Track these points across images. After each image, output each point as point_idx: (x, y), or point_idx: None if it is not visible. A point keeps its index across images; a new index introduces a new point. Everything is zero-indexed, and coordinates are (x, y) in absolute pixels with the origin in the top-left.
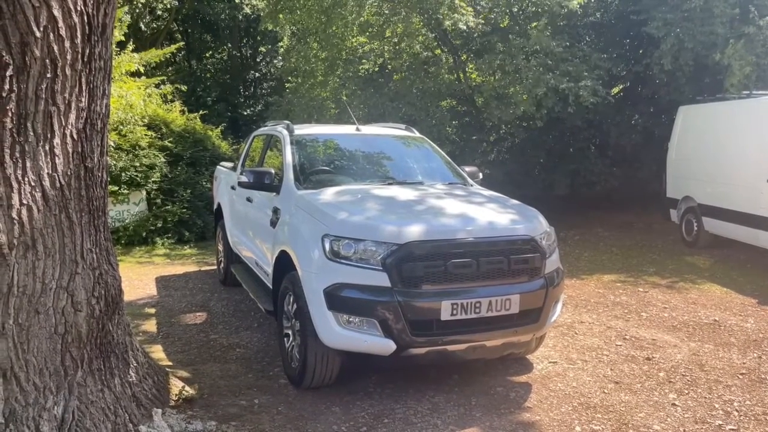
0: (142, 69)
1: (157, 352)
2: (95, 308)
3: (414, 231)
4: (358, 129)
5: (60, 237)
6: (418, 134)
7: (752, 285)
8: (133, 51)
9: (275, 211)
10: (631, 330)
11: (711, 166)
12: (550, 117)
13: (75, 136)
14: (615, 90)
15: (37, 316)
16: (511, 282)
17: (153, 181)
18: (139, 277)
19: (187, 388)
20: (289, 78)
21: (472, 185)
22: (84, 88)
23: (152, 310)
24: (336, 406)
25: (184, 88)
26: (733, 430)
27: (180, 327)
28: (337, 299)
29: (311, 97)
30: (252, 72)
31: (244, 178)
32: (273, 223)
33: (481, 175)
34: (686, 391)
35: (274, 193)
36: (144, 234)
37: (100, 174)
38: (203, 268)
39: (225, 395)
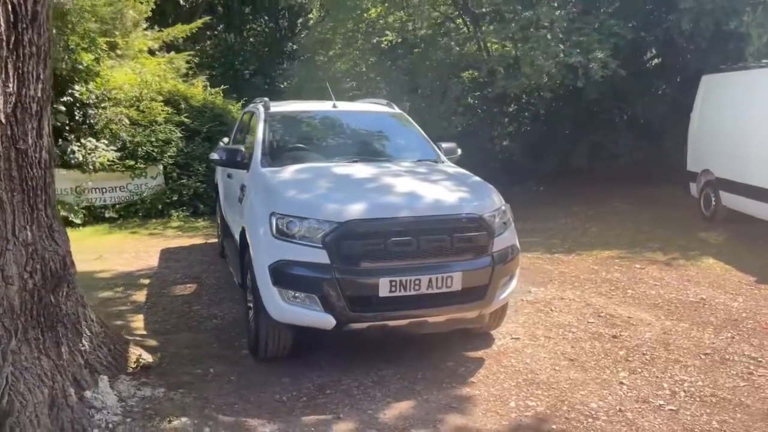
0: (156, 45)
1: (137, 321)
2: (28, 282)
3: (354, 210)
4: (334, 105)
5: None
6: (397, 110)
7: (757, 263)
8: (162, 26)
9: (242, 188)
10: (610, 307)
11: (729, 139)
12: (574, 88)
13: (3, 121)
14: (641, 59)
15: None
16: (453, 260)
17: (169, 156)
18: (147, 248)
19: (144, 356)
20: (320, 51)
21: (443, 162)
22: (12, 74)
23: (147, 281)
24: (287, 376)
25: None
26: (672, 410)
27: (167, 297)
28: (282, 275)
29: (331, 70)
30: (290, 44)
31: (215, 156)
32: (240, 200)
33: (459, 151)
34: (639, 371)
35: (245, 171)
36: (160, 207)
37: (36, 155)
38: (209, 241)
39: (184, 364)
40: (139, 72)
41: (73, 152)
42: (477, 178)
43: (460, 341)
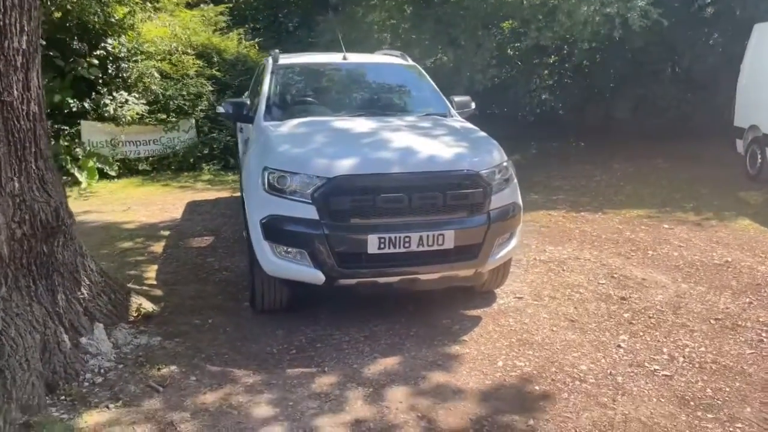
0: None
1: (150, 271)
2: (16, 232)
3: (344, 165)
4: (345, 57)
5: None
6: (410, 62)
7: None
8: None
9: (245, 141)
10: (626, 268)
11: None
12: (620, 38)
13: None
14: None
15: None
16: (446, 218)
17: (200, 110)
18: (174, 201)
19: (146, 305)
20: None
21: (452, 116)
22: None
23: (167, 233)
24: (282, 329)
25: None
26: (666, 376)
27: (183, 249)
28: (272, 230)
29: (367, 22)
30: None
31: (221, 109)
32: (245, 154)
33: (473, 105)
34: (641, 334)
35: (251, 124)
36: (192, 160)
37: (24, 107)
38: (235, 195)
39: (185, 314)
40: (169, 25)
41: (106, 105)
42: (481, 134)
43: (462, 299)
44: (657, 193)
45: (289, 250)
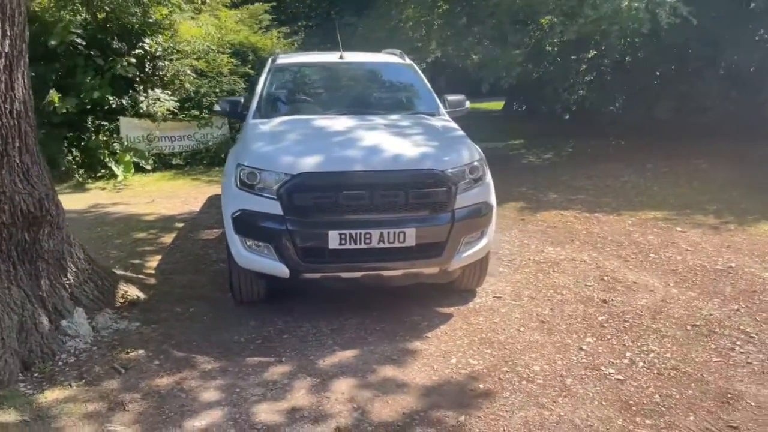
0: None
1: (153, 261)
2: None
3: (308, 162)
4: (341, 56)
5: None
6: (407, 61)
7: None
8: None
9: (235, 139)
10: (620, 271)
11: None
12: (666, 33)
13: None
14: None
15: None
16: (407, 215)
17: None
18: (198, 195)
19: (134, 293)
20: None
21: (441, 115)
22: None
23: (181, 225)
24: (256, 319)
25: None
26: (618, 380)
27: (191, 241)
28: (242, 224)
29: (402, 20)
30: None
31: (217, 107)
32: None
33: (467, 104)
34: (609, 338)
35: (244, 122)
36: (223, 155)
37: (6, 106)
38: None
39: (170, 302)
40: (202, 25)
41: (140, 102)
42: (458, 133)
43: (439, 297)
44: (683, 195)
45: (258, 243)
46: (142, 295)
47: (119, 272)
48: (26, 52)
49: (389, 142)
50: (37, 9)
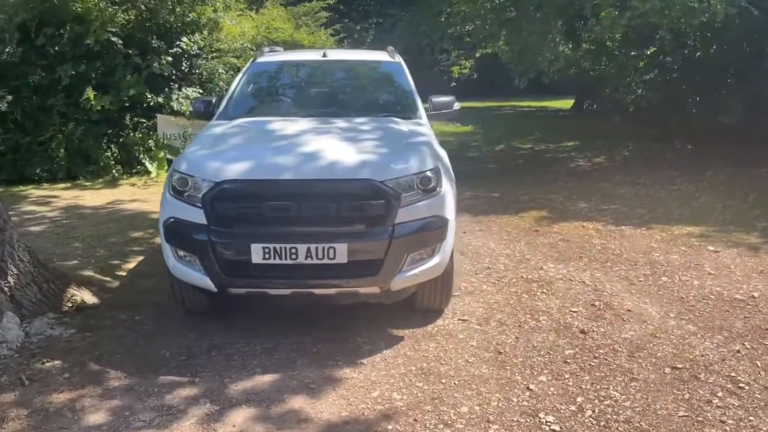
0: None
1: (132, 263)
2: None
3: (233, 169)
4: (324, 55)
5: None
6: (395, 60)
7: None
8: None
9: None
10: (618, 296)
11: None
12: (745, 29)
13: None
14: None
15: None
16: (338, 230)
17: None
18: None
19: (82, 297)
20: None
21: (417, 119)
22: None
23: None
24: (195, 332)
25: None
26: (553, 430)
27: None
28: (171, 233)
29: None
30: None
31: (190, 107)
32: None
33: (456, 105)
34: (566, 377)
35: None
36: None
37: None
38: None
39: (119, 308)
40: (238, 23)
41: (172, 100)
42: (420, 139)
43: (400, 316)
44: (731, 208)
45: (185, 254)
46: (94, 300)
47: (88, 274)
48: None
49: (333, 149)
50: (80, 9)
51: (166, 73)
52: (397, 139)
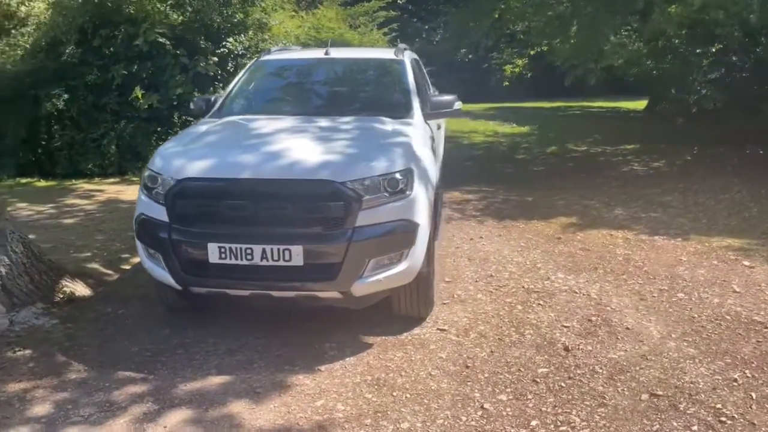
0: None
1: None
2: None
3: (194, 167)
4: (327, 53)
5: None
6: (401, 57)
7: None
8: None
9: None
10: (621, 312)
11: None
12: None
13: None
14: None
15: None
16: (294, 231)
17: None
18: None
19: (74, 289)
20: None
21: (409, 118)
22: None
23: None
24: (170, 328)
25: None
26: None
27: None
28: (141, 230)
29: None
30: None
31: (192, 106)
32: None
33: (457, 105)
34: (529, 397)
35: None
36: None
37: None
38: None
39: (108, 301)
40: (281, 23)
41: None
42: (398, 139)
43: (377, 323)
44: None
45: (153, 252)
46: (86, 293)
47: (93, 266)
48: None
49: (301, 148)
50: (132, 11)
51: (212, 73)
52: (373, 140)
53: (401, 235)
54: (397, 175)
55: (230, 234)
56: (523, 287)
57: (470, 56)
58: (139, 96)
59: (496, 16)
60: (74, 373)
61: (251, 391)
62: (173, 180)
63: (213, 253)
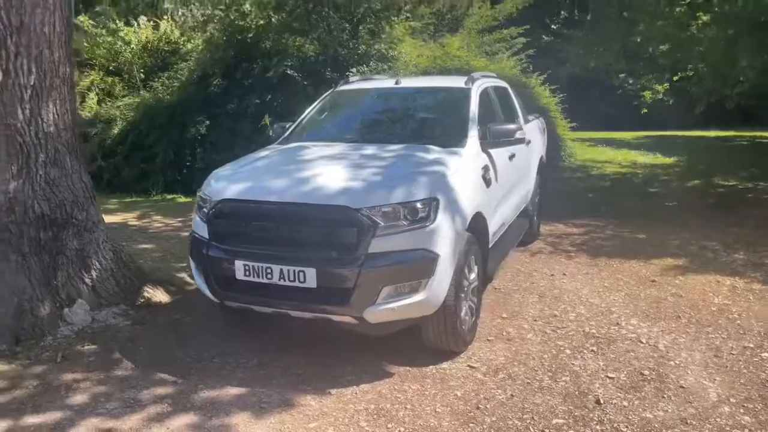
0: (415, 26)
1: None
2: (2, 219)
3: (231, 190)
4: (397, 82)
5: None
6: (467, 86)
7: None
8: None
9: None
10: (685, 369)
11: None
12: None
13: None
14: None
15: None
16: (309, 254)
17: None
18: None
19: (153, 294)
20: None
21: (457, 147)
22: None
23: None
24: (218, 338)
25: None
26: None
27: None
28: (190, 246)
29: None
30: None
31: (271, 132)
32: None
33: (519, 135)
34: None
35: None
36: None
37: (31, 128)
38: None
39: (179, 309)
40: (399, 53)
41: None
42: (433, 168)
43: (412, 352)
44: None
45: (197, 266)
46: (165, 299)
47: (179, 275)
48: (65, 84)
49: (330, 175)
50: (268, 46)
51: None
52: (404, 168)
53: (418, 264)
54: (418, 204)
55: (254, 253)
56: (584, 331)
57: (605, 81)
58: (267, 123)
59: (638, 40)
60: (121, 370)
61: (257, 405)
62: (214, 200)
63: (239, 270)
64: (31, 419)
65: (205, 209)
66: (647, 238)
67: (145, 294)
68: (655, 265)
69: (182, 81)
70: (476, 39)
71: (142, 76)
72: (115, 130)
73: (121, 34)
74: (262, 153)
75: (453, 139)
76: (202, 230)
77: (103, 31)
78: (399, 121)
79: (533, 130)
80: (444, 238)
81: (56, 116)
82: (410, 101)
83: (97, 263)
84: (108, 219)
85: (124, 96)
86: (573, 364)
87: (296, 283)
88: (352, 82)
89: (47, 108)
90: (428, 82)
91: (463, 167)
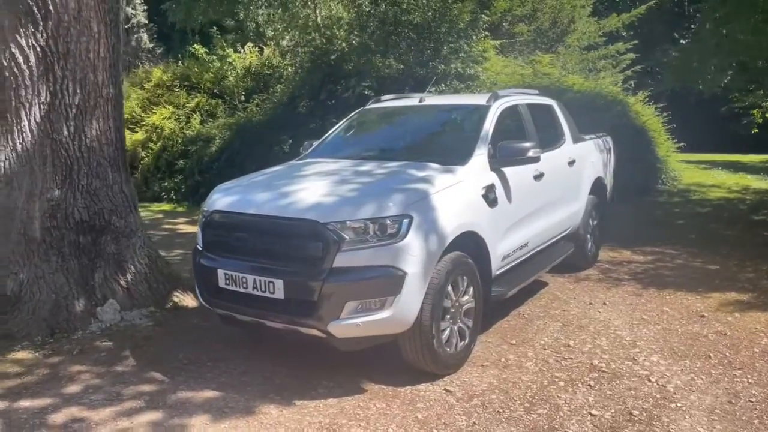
0: (497, 45)
1: None
2: (45, 222)
3: (222, 202)
4: (421, 100)
5: (25, 179)
6: (487, 104)
7: None
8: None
9: None
10: (686, 413)
11: None
12: None
13: (39, 120)
14: None
15: (11, 222)
16: (278, 265)
17: None
18: None
19: (178, 298)
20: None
21: (459, 165)
22: (43, 90)
23: None
24: (221, 344)
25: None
26: None
27: None
28: (192, 256)
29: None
30: None
31: (301, 149)
32: None
33: (531, 153)
34: None
35: None
36: None
37: (75, 143)
38: None
39: (201, 314)
40: (476, 71)
41: None
42: (414, 186)
43: (396, 372)
44: None
45: (194, 273)
46: (192, 304)
47: None
48: (109, 104)
49: (313, 190)
50: (351, 68)
51: None
52: (387, 184)
53: (384, 281)
54: (388, 221)
55: (234, 263)
56: (591, 363)
57: (705, 97)
58: None
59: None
60: (122, 366)
61: (221, 409)
62: (207, 212)
63: (221, 278)
64: (24, 403)
65: (203, 221)
66: (719, 269)
67: (174, 298)
68: (712, 298)
69: (274, 102)
70: (576, 56)
71: (242, 98)
72: (213, 148)
73: (229, 59)
74: (273, 168)
75: (456, 156)
76: (199, 240)
77: (214, 58)
78: (410, 138)
79: (588, 149)
80: (414, 256)
81: (99, 132)
82: (427, 119)
83: (132, 267)
84: (187, 229)
85: (225, 117)
86: (559, 396)
87: (267, 294)
88: (383, 100)
89: (90, 125)
90: (451, 100)
91: (453, 185)
